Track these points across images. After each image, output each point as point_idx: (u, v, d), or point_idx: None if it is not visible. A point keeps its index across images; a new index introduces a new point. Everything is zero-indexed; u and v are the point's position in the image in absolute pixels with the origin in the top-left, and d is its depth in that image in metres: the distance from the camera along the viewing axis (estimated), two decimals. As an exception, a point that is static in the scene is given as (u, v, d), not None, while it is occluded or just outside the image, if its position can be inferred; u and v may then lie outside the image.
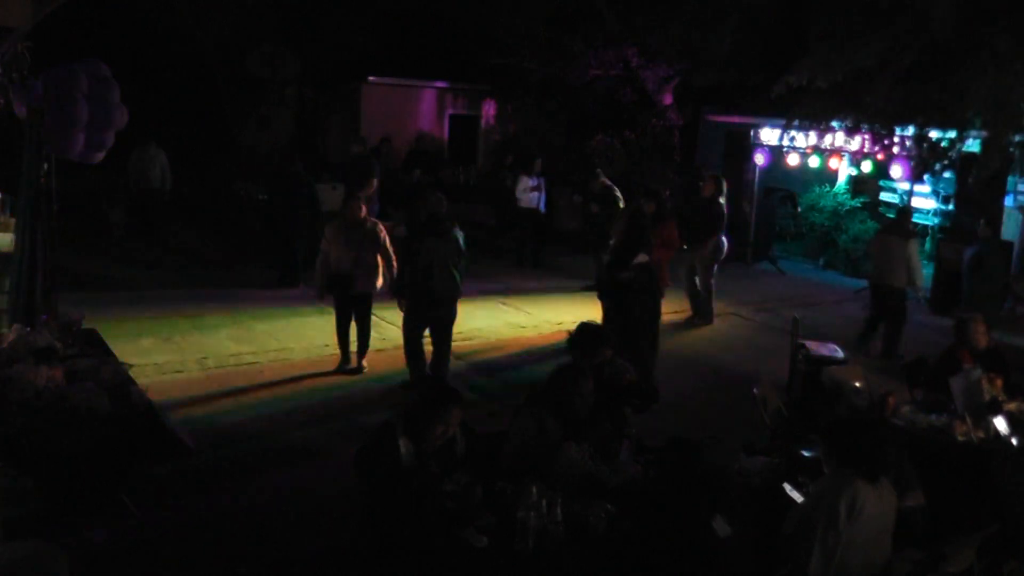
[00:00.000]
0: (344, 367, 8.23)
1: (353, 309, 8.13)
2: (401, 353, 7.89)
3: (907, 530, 4.16)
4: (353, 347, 8.25)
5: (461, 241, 7.54)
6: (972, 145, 11.55)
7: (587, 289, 12.03)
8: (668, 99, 16.98)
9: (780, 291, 12.96)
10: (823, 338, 7.68)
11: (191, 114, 17.53)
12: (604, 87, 17.23)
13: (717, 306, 10.94)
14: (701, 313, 10.68)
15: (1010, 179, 12.48)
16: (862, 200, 14.99)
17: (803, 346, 6.95)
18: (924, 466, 4.89)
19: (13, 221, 7.64)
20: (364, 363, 8.26)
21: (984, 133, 10.99)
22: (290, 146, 16.97)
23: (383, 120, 18.14)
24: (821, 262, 14.85)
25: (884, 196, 15.20)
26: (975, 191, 12.12)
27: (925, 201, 14.25)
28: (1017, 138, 10.88)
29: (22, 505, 4.89)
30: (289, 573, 5.01)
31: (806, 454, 4.99)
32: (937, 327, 10.45)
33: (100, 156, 6.79)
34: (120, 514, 5.07)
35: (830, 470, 4.12)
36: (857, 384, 6.18)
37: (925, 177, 13.87)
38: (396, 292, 7.75)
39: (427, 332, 7.79)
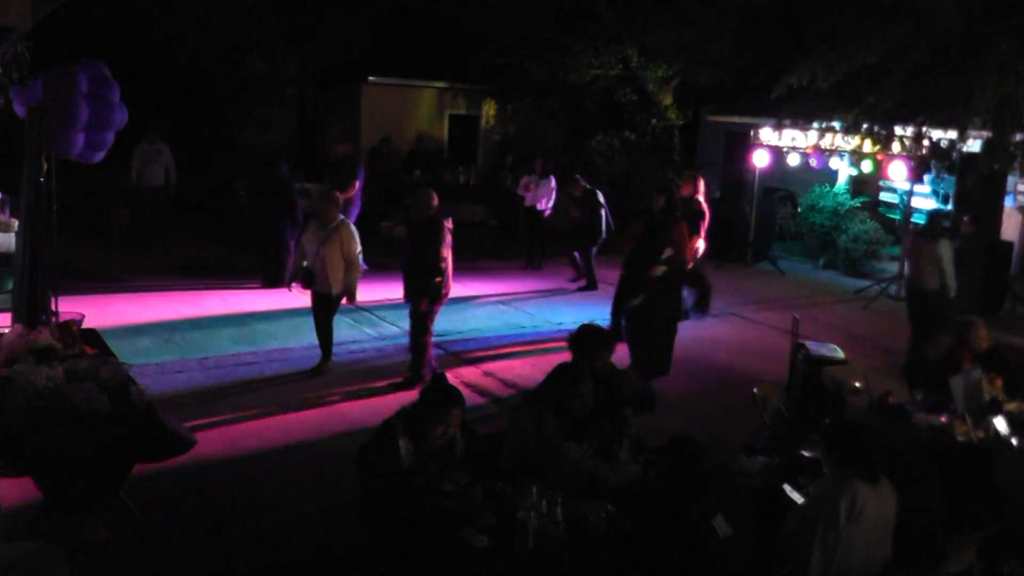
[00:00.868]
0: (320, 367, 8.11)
1: (318, 307, 8.06)
2: (402, 350, 7.87)
3: (907, 530, 4.16)
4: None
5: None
6: (972, 145, 11.56)
7: (581, 289, 12.06)
8: (668, 99, 17.00)
9: (780, 291, 12.95)
10: (823, 338, 7.68)
11: (191, 114, 17.54)
12: (604, 87, 17.24)
13: (717, 306, 10.95)
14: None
15: (1010, 179, 12.48)
16: (862, 200, 14.99)
17: (803, 346, 6.95)
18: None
19: (14, 221, 7.65)
20: (330, 365, 8.11)
21: (985, 133, 11.00)
22: (285, 147, 16.99)
23: (383, 120, 18.15)
24: (821, 262, 14.85)
25: (884, 196, 15.21)
26: (975, 191, 12.11)
27: (925, 201, 14.25)
28: (1019, 137, 10.88)
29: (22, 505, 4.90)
30: (289, 573, 5.00)
31: (806, 454, 4.99)
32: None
33: (100, 156, 6.80)
34: (120, 514, 5.07)
35: (830, 470, 4.12)
36: (857, 384, 6.18)
37: (925, 177, 13.89)
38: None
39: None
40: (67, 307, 6.77)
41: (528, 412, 4.63)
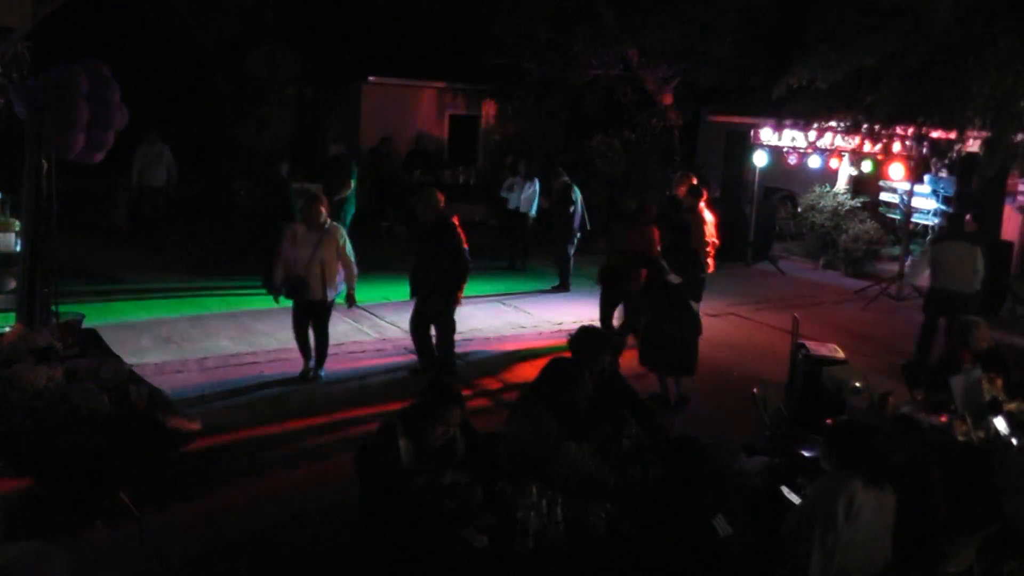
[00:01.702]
0: (304, 374, 7.91)
1: (309, 316, 7.77)
2: (403, 350, 7.85)
3: (907, 530, 4.16)
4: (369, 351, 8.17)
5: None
6: (972, 145, 11.56)
7: (554, 289, 11.96)
8: (668, 99, 16.99)
9: (780, 291, 12.96)
10: (823, 338, 7.68)
11: (191, 114, 17.53)
12: (604, 87, 17.24)
13: (717, 306, 10.95)
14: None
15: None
16: (862, 200, 15.00)
17: (803, 346, 6.95)
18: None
19: (14, 222, 7.65)
20: (322, 372, 7.96)
21: (985, 133, 11.00)
22: (285, 147, 16.95)
23: (383, 120, 18.14)
24: (821, 262, 14.85)
25: (884, 196, 15.21)
26: (977, 192, 12.10)
27: (925, 201, 14.26)
28: (1020, 137, 10.88)
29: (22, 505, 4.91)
30: (289, 573, 5.00)
31: (806, 454, 4.99)
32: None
33: (100, 156, 6.81)
34: (120, 514, 5.07)
35: (829, 470, 4.12)
36: (857, 384, 6.18)
37: (925, 177, 13.90)
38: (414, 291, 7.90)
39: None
40: (67, 307, 6.78)
41: (524, 410, 4.62)
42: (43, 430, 4.58)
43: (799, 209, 15.62)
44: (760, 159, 14.15)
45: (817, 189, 15.25)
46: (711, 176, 16.72)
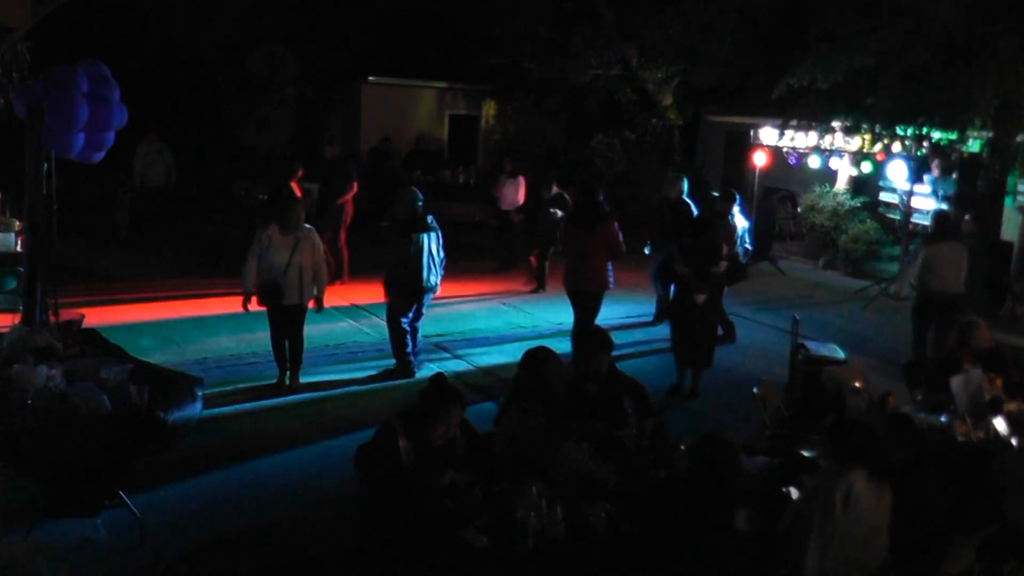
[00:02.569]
0: (279, 385, 7.70)
1: (285, 322, 7.57)
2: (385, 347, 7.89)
3: (907, 530, 4.15)
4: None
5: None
6: (972, 145, 11.55)
7: (533, 291, 11.77)
8: (668, 99, 16.99)
9: (780, 291, 12.95)
10: (823, 338, 7.67)
11: (191, 114, 17.54)
12: (604, 87, 17.24)
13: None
14: (663, 315, 10.49)
15: (1010, 179, 12.47)
16: (862, 200, 14.99)
17: (803, 346, 6.95)
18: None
19: (14, 221, 7.65)
20: (299, 380, 7.78)
21: (986, 133, 10.99)
22: (286, 147, 16.96)
23: (383, 120, 18.14)
24: (821, 262, 14.84)
25: (884, 196, 15.19)
26: (978, 193, 12.08)
27: (925, 201, 14.23)
28: (1020, 138, 10.88)
29: (22, 505, 4.90)
30: (289, 573, 5.00)
31: (806, 454, 4.99)
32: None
33: (100, 156, 6.81)
34: (120, 513, 5.07)
35: (827, 465, 4.12)
36: (857, 384, 6.17)
37: (925, 177, 13.88)
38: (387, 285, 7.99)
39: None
40: (68, 307, 6.78)
41: (512, 405, 4.65)
42: (43, 430, 4.57)
43: (799, 209, 15.61)
44: (760, 159, 14.13)
45: (817, 189, 15.24)
46: (711, 176, 16.73)
